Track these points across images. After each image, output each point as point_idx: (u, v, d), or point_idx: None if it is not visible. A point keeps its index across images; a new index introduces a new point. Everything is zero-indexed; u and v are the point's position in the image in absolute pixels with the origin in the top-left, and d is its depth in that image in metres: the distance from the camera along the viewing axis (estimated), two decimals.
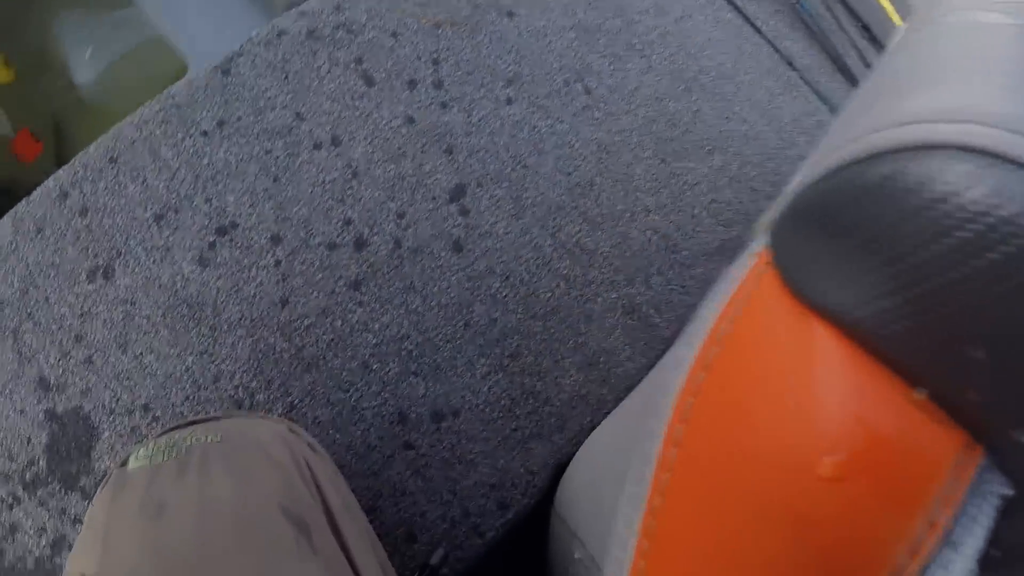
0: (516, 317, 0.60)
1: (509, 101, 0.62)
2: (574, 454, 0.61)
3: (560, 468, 0.60)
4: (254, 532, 0.36)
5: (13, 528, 0.56)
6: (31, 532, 0.56)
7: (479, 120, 0.62)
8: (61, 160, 0.76)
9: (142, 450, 0.40)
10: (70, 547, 0.57)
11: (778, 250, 0.23)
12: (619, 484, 0.49)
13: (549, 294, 0.60)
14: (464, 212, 0.61)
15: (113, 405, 0.58)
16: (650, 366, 0.60)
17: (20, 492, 0.57)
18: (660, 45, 0.65)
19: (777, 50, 0.67)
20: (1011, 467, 0.19)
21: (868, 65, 0.69)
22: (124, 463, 0.40)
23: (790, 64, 0.67)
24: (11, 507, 0.56)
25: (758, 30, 0.67)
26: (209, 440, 0.40)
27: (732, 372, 0.24)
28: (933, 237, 0.17)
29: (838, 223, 0.20)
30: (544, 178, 0.61)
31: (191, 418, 0.45)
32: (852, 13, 0.71)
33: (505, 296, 0.60)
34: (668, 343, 0.61)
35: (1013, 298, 0.16)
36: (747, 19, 0.67)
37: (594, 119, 0.62)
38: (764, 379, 0.22)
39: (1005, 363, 0.17)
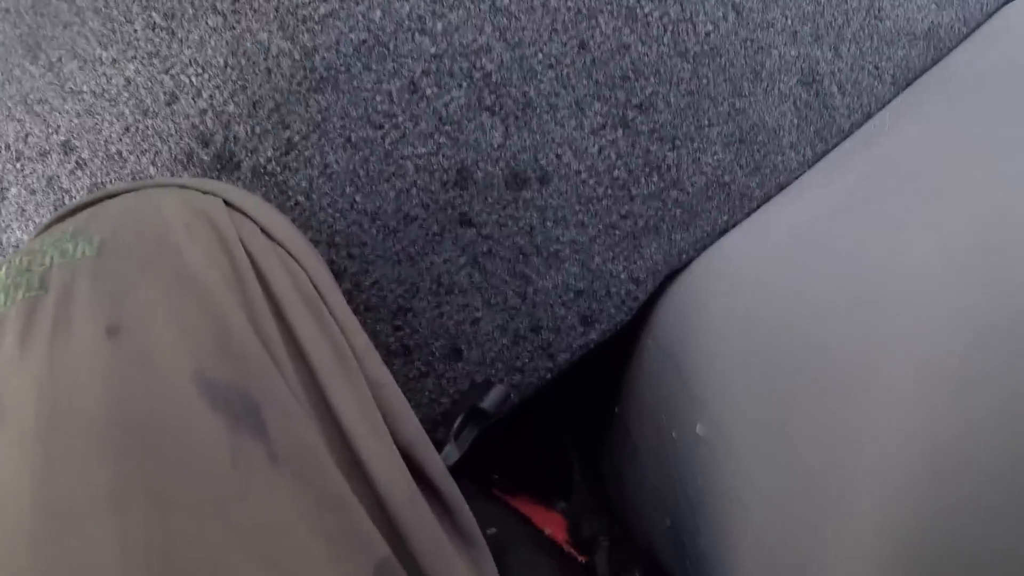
0: (658, 49, 0.40)
1: None
2: (691, 263, 0.43)
3: (668, 280, 0.43)
4: (143, 444, 0.20)
5: None
6: None
7: None
8: None
9: None
10: None
11: None
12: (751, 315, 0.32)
13: (711, 27, 0.40)
14: None
15: (20, 145, 0.38)
16: (814, 161, 0.43)
17: None
18: None
19: None
20: None
21: None
22: None
23: None
24: None
25: None
26: (79, 255, 0.24)
27: None
28: None
29: None
30: None
31: (80, 201, 0.27)
32: None
33: (648, 13, 0.39)
34: (842, 136, 0.43)
35: None
36: None
37: None
38: None
39: None
